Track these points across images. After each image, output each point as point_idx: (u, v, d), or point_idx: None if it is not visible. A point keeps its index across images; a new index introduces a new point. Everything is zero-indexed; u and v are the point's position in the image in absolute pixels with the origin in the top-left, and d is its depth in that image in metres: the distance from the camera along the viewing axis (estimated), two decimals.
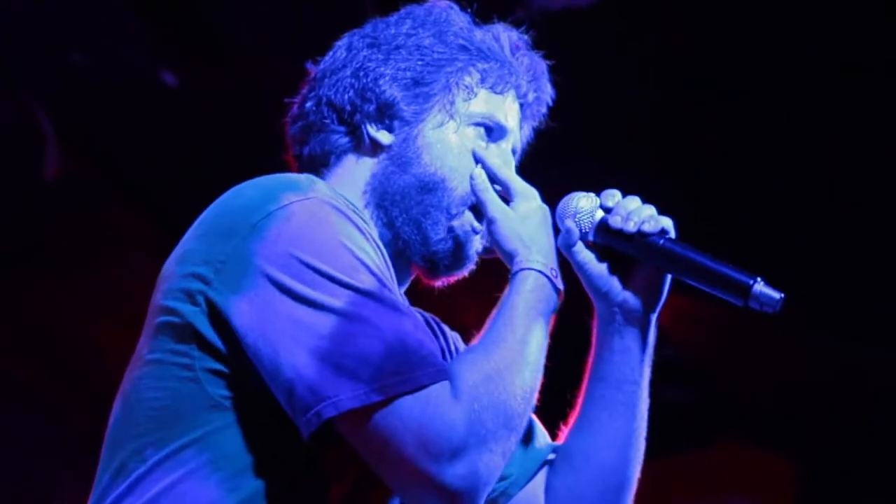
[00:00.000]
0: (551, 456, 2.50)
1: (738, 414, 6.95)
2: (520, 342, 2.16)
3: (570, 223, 2.34)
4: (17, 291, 5.70)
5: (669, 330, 6.34)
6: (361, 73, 2.45)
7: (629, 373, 2.41)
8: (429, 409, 2.04)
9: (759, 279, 2.24)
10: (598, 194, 2.37)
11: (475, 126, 2.43)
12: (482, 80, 2.45)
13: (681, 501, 7.23)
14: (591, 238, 2.34)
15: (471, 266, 2.48)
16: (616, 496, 2.47)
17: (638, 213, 2.30)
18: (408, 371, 2.04)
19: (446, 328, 2.59)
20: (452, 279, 2.49)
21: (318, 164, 2.48)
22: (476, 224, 2.40)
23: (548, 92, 2.57)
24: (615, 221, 2.29)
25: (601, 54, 5.64)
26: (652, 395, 7.32)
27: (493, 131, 2.45)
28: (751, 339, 6.62)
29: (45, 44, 5.20)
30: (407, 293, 2.53)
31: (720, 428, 6.98)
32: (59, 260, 5.76)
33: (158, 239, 5.65)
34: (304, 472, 2.17)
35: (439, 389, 2.05)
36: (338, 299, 2.06)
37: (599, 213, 2.35)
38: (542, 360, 2.18)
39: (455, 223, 2.40)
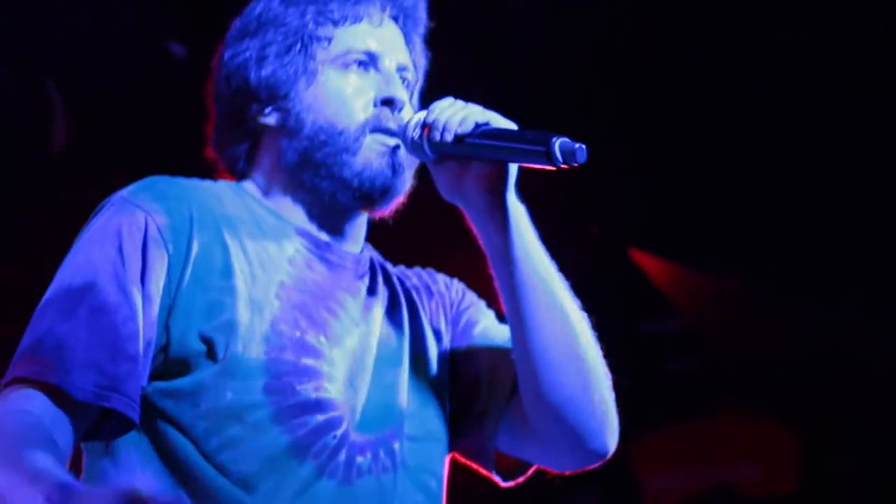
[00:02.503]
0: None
1: (743, 384, 6.98)
2: None
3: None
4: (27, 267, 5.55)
5: (676, 304, 6.76)
6: (230, 77, 2.47)
7: (515, 251, 2.39)
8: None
9: (559, 136, 2.24)
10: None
11: (344, 67, 2.44)
12: (333, 23, 2.46)
13: (689, 468, 7.32)
14: (430, 155, 2.36)
15: (404, 186, 2.49)
16: (573, 367, 2.43)
17: (452, 120, 2.30)
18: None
19: (438, 279, 2.64)
20: (396, 201, 2.47)
21: (236, 165, 2.51)
22: (387, 140, 2.41)
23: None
24: (434, 136, 2.31)
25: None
26: (660, 366, 7.14)
27: (365, 62, 2.46)
28: (754, 312, 6.78)
29: (55, 15, 5.07)
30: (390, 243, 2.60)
31: (726, 398, 7.05)
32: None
33: None
34: None
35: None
36: (54, 289, 2.23)
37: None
38: None
39: (361, 155, 2.40)
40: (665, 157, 6.37)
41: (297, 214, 2.45)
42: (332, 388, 2.29)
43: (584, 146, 2.24)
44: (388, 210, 2.48)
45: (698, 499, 7.40)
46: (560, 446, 2.49)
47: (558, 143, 2.23)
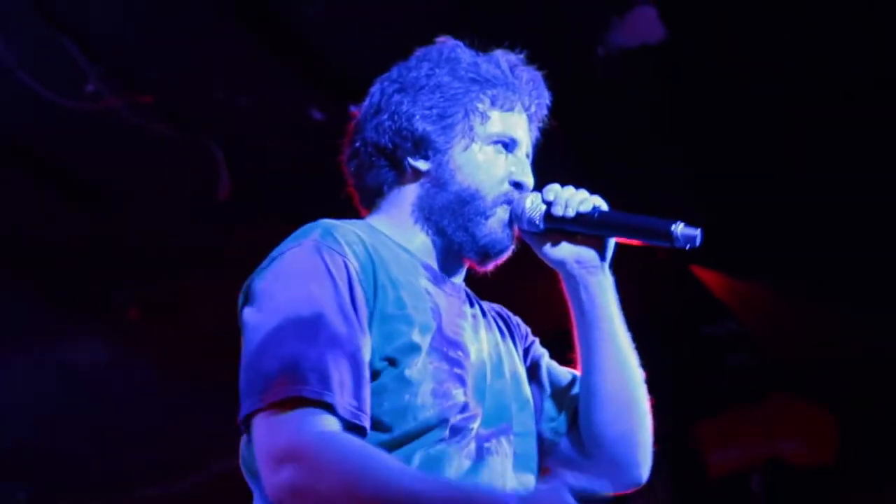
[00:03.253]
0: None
1: (788, 374, 7.18)
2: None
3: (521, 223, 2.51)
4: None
5: (731, 310, 6.78)
6: (396, 116, 2.53)
7: (600, 313, 2.51)
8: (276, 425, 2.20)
9: (677, 222, 2.37)
10: (539, 191, 2.54)
11: (494, 144, 2.52)
12: (492, 104, 2.53)
13: (745, 444, 7.49)
14: (541, 227, 2.48)
15: (510, 248, 2.59)
16: (627, 412, 2.55)
17: (573, 199, 2.45)
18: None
19: (511, 316, 2.73)
20: (500, 262, 2.56)
21: (373, 196, 2.60)
22: (505, 216, 2.52)
23: (546, 97, 2.65)
24: (556, 210, 2.45)
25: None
26: (718, 361, 7.08)
27: (509, 145, 2.54)
28: (794, 312, 6.87)
29: (214, 89, 5.24)
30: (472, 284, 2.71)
31: (774, 386, 7.25)
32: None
33: None
34: None
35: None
36: (269, 319, 2.23)
37: (542, 207, 2.48)
38: None
39: (492, 221, 2.48)
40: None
41: (423, 251, 2.52)
42: (469, 393, 2.40)
43: (700, 231, 2.39)
44: (482, 269, 2.59)
45: (754, 469, 7.52)
46: (607, 472, 2.55)
47: (679, 229, 2.36)
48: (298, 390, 2.13)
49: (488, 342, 2.53)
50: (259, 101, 5.35)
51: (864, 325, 6.74)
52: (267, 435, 2.16)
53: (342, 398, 2.15)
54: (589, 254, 2.47)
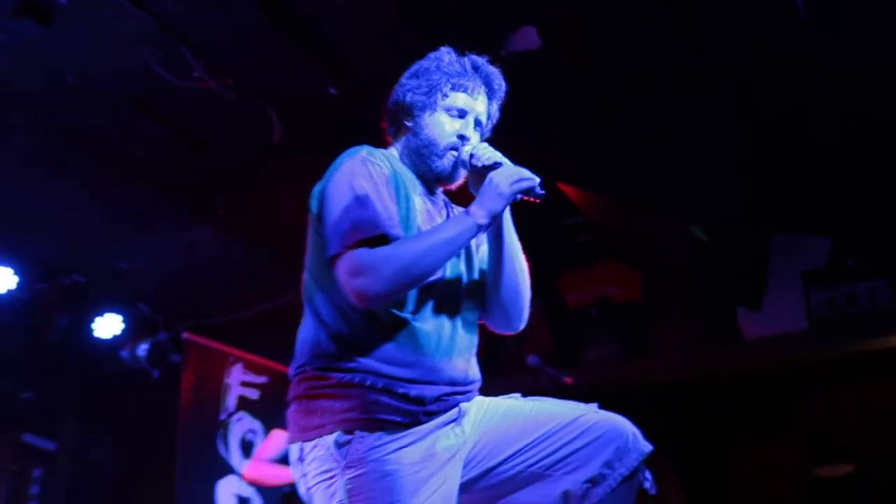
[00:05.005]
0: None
1: (613, 248, 7.35)
2: (431, 247, 2.37)
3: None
4: None
5: (580, 208, 6.68)
6: (401, 91, 2.66)
7: (503, 224, 2.56)
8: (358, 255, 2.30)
9: (536, 182, 2.43)
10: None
11: (448, 111, 2.60)
12: (453, 88, 2.61)
13: (586, 290, 7.86)
14: (468, 168, 2.58)
15: (460, 178, 2.65)
16: (517, 287, 2.59)
17: (485, 153, 2.52)
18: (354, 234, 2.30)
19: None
20: (455, 185, 2.67)
21: (393, 136, 2.69)
22: (454, 153, 2.59)
23: (498, 85, 2.68)
24: (475, 160, 2.55)
25: None
26: (571, 239, 6.98)
27: (461, 113, 2.60)
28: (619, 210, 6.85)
29: (266, 73, 5.45)
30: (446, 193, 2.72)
31: (604, 255, 7.47)
32: None
33: None
34: None
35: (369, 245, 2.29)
36: (355, 209, 2.35)
37: (468, 156, 2.57)
38: (437, 259, 2.37)
39: (443, 160, 2.59)
40: None
41: (415, 174, 2.62)
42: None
43: (543, 193, 2.45)
44: (452, 186, 2.68)
45: (593, 304, 7.79)
46: (500, 322, 2.63)
47: (536, 187, 2.44)
48: (362, 234, 2.31)
49: None
50: (294, 81, 5.45)
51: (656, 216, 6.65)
52: (345, 263, 2.30)
53: (385, 229, 2.33)
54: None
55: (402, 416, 2.31)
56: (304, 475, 2.38)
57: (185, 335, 7.59)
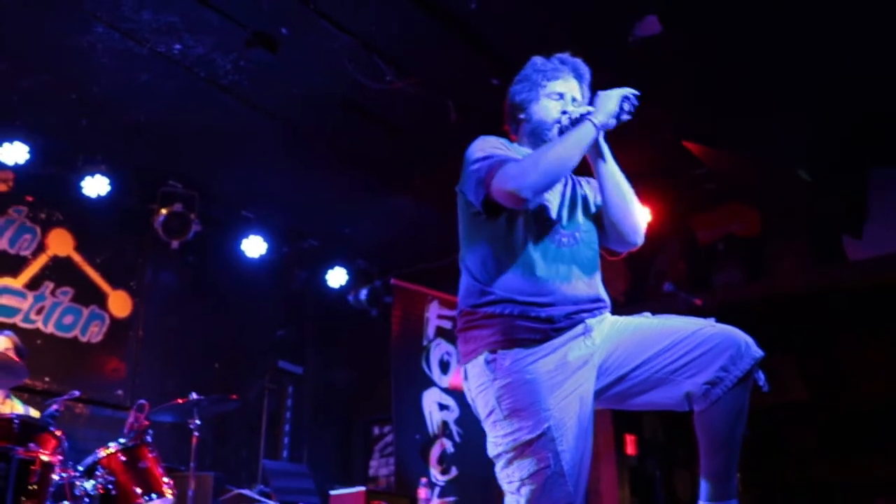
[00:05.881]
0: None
1: None
2: (558, 146, 2.37)
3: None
4: None
5: None
6: (512, 95, 2.63)
7: (607, 158, 2.52)
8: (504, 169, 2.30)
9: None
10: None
11: (547, 97, 2.57)
12: (548, 79, 2.57)
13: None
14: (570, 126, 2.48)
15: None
16: (627, 206, 2.52)
17: (575, 110, 2.49)
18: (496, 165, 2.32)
19: (588, 181, 2.65)
20: None
21: (514, 132, 2.65)
22: (560, 126, 2.52)
23: (584, 69, 2.63)
24: (572, 116, 2.50)
25: None
26: None
27: (559, 95, 2.57)
28: None
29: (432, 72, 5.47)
30: None
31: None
32: None
33: None
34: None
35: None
36: (483, 160, 2.37)
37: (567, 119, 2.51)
38: (568, 153, 2.34)
39: (553, 132, 2.53)
40: None
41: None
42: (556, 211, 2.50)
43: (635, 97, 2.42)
44: None
45: None
46: (616, 239, 2.56)
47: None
48: (497, 164, 2.36)
49: (571, 193, 2.57)
50: (464, 76, 5.48)
51: None
52: (497, 180, 2.32)
53: (511, 160, 2.36)
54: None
55: (535, 334, 2.29)
56: (469, 390, 2.39)
57: (393, 281, 7.89)
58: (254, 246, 7.51)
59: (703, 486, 2.32)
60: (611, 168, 2.49)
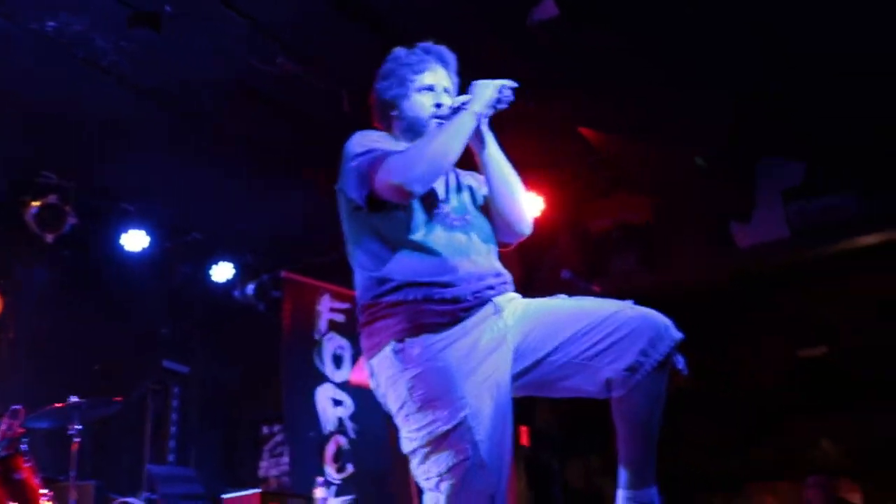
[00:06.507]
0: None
1: None
2: (439, 137, 2.35)
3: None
4: None
5: None
6: (379, 94, 2.59)
7: (492, 149, 2.51)
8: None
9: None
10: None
11: (419, 90, 2.53)
12: (416, 72, 2.53)
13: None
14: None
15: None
16: (513, 197, 2.51)
17: (450, 101, 2.51)
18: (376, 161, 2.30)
19: (471, 174, 2.64)
20: None
21: (387, 129, 2.60)
22: (437, 120, 2.50)
23: (448, 56, 2.60)
24: (448, 109, 2.50)
25: None
26: None
27: (429, 88, 2.53)
28: None
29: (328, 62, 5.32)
30: None
31: None
32: None
33: None
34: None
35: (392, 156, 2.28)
36: (363, 155, 2.34)
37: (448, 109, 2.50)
38: (449, 143, 2.32)
39: (430, 126, 2.50)
40: None
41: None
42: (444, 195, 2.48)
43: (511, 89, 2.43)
44: None
45: None
46: (505, 229, 2.53)
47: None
48: (377, 159, 2.33)
49: (455, 181, 2.56)
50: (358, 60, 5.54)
51: None
52: (381, 175, 2.30)
53: (392, 153, 2.33)
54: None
55: (443, 317, 2.24)
56: (378, 385, 2.33)
57: (284, 274, 7.73)
58: (134, 240, 7.22)
59: (622, 474, 2.29)
60: (495, 157, 2.48)
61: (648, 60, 5.29)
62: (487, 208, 2.50)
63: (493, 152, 2.47)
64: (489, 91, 2.37)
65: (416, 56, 2.55)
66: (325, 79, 5.50)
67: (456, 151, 2.31)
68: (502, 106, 2.39)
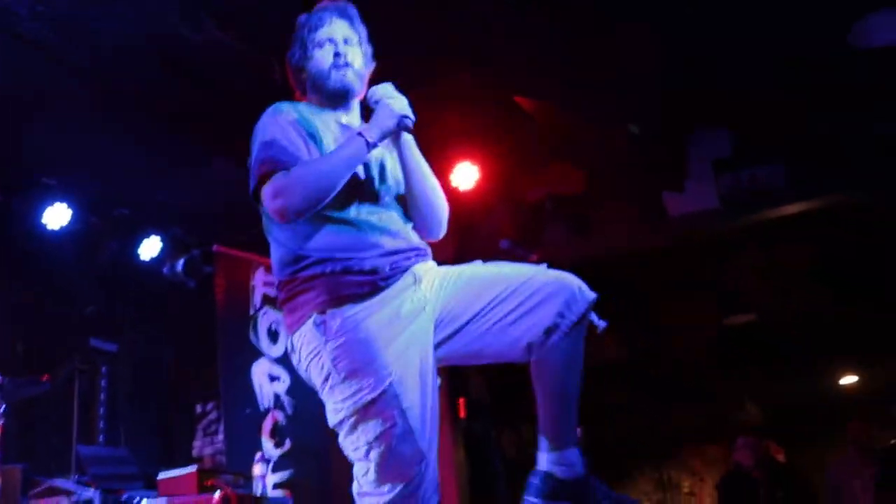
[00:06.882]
0: None
1: None
2: (325, 165, 2.34)
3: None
4: None
5: None
6: (289, 59, 2.64)
7: (412, 151, 2.52)
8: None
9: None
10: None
11: (318, 45, 2.54)
12: (311, 31, 2.57)
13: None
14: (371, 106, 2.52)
15: (357, 92, 2.57)
16: (433, 201, 2.53)
17: (373, 94, 2.51)
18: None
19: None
20: (359, 97, 2.58)
21: (304, 93, 2.63)
22: (341, 75, 2.53)
23: (346, 7, 2.61)
24: (369, 98, 2.52)
25: None
26: None
27: (328, 41, 2.54)
28: None
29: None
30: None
31: None
32: None
33: None
34: None
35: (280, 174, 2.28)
36: (263, 151, 2.34)
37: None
38: (335, 172, 2.32)
39: (331, 80, 2.52)
40: None
41: (324, 105, 2.56)
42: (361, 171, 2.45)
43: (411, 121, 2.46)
44: (359, 97, 2.59)
45: None
46: (422, 229, 2.52)
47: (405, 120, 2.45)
48: (270, 166, 2.33)
49: (377, 164, 2.52)
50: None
51: None
52: (267, 191, 2.32)
53: (292, 160, 2.33)
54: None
55: (362, 287, 2.26)
56: (300, 361, 2.33)
57: (216, 248, 7.55)
58: (57, 215, 6.95)
59: (542, 438, 2.31)
60: (416, 162, 2.48)
61: (584, 28, 5.38)
62: (404, 200, 2.51)
63: (416, 158, 2.48)
64: (390, 120, 2.37)
65: (315, 16, 2.56)
66: (254, 47, 5.31)
67: (343, 179, 2.30)
68: (403, 132, 2.42)
